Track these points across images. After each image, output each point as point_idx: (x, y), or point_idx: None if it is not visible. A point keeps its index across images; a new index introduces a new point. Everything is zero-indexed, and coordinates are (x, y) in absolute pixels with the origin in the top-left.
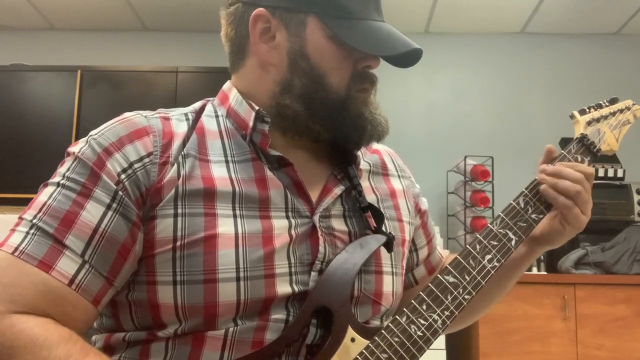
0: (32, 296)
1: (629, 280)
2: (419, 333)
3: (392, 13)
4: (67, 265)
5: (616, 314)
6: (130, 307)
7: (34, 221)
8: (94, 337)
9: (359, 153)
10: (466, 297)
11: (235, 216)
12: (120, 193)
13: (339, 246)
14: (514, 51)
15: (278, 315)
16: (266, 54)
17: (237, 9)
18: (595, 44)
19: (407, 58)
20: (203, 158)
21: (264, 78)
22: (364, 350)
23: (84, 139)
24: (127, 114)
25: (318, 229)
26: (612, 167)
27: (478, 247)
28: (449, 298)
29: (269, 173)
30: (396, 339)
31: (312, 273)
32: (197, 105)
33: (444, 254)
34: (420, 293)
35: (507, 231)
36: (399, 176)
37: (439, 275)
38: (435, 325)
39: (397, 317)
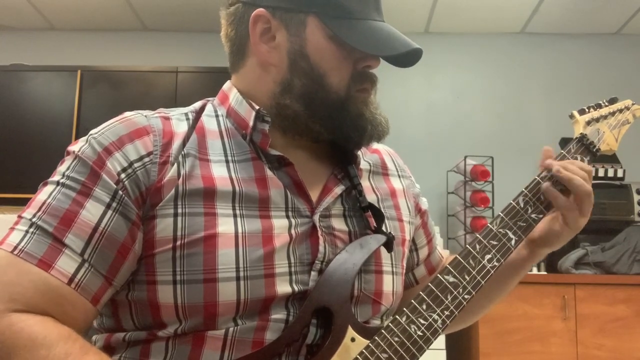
0: (31, 295)
1: (629, 280)
2: (419, 333)
3: (392, 13)
4: (66, 264)
5: (616, 314)
6: (130, 306)
7: (34, 220)
8: (94, 337)
9: (359, 153)
10: (466, 296)
11: (235, 216)
12: (120, 192)
13: (339, 246)
14: (514, 51)
15: (278, 315)
16: (266, 54)
17: (237, 9)
18: (595, 44)
19: (407, 58)
20: (203, 158)
21: (264, 78)
22: (364, 350)
23: (84, 138)
24: (127, 114)
25: (318, 229)
26: (612, 167)
27: (478, 247)
28: (449, 298)
29: (269, 173)
30: (396, 339)
31: (312, 273)
32: (197, 105)
33: (444, 254)
34: (420, 293)
35: (507, 231)
36: (399, 176)
37: (439, 275)
38: (435, 325)
39: (397, 316)
